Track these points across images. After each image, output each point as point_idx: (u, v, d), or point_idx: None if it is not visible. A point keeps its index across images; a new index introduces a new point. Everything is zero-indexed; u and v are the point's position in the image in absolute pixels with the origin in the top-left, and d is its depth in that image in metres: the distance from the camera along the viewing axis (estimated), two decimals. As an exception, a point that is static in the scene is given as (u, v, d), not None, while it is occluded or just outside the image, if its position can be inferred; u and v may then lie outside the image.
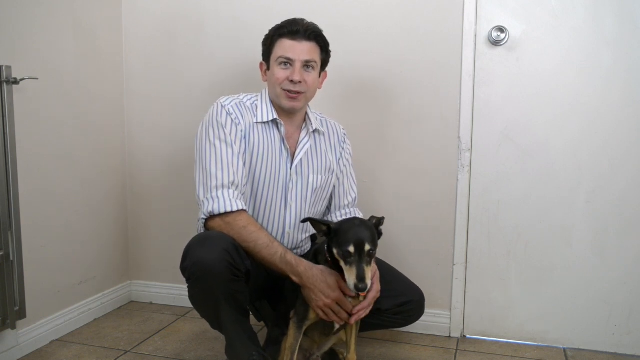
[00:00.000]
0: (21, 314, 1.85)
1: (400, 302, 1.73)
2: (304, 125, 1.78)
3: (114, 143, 2.37)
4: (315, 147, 1.78)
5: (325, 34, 1.69)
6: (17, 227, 1.81)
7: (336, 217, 1.83)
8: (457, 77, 2.03)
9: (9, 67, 1.75)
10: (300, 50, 1.64)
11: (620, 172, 1.93)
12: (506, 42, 1.97)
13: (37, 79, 1.87)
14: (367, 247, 1.40)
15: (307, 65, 1.66)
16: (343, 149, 1.86)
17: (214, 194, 1.57)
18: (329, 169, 1.80)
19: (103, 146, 2.30)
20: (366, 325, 1.73)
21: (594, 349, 2.02)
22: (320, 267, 1.53)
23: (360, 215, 1.83)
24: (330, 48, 1.77)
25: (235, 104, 1.69)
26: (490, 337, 2.13)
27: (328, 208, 1.88)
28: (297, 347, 1.54)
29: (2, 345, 1.84)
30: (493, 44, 1.99)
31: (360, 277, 1.37)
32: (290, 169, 1.72)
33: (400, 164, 2.13)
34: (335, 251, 1.45)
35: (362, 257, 1.39)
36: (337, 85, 2.13)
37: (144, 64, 2.38)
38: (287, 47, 1.64)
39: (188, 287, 1.56)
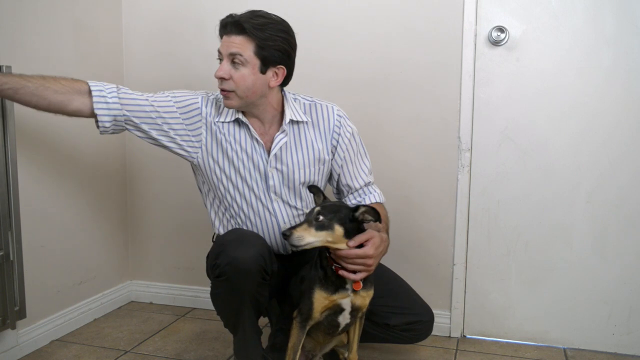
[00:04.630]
0: (21, 314, 1.85)
1: (410, 321, 1.72)
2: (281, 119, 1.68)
3: (114, 143, 2.37)
4: (299, 139, 1.67)
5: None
6: (17, 227, 1.81)
7: (349, 201, 1.76)
8: (457, 77, 2.03)
9: (9, 67, 1.74)
10: (226, 44, 1.53)
11: (620, 172, 1.93)
12: (506, 42, 1.97)
13: (37, 79, 1.87)
14: (317, 209, 1.46)
15: (233, 61, 1.53)
16: (339, 134, 1.71)
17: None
18: (319, 159, 1.69)
19: (103, 146, 2.30)
20: (372, 337, 1.74)
21: (594, 349, 2.02)
22: None
23: (376, 194, 1.77)
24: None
25: (215, 98, 1.67)
26: (490, 337, 2.13)
27: (341, 193, 1.80)
28: (300, 347, 1.53)
29: (2, 345, 1.84)
30: (493, 44, 1.99)
31: (291, 226, 1.46)
32: (268, 165, 1.65)
33: (400, 163, 2.13)
34: None
35: (310, 218, 1.44)
36: (337, 84, 2.13)
37: (144, 64, 2.38)
38: (221, 42, 1.57)
39: (214, 283, 1.56)
